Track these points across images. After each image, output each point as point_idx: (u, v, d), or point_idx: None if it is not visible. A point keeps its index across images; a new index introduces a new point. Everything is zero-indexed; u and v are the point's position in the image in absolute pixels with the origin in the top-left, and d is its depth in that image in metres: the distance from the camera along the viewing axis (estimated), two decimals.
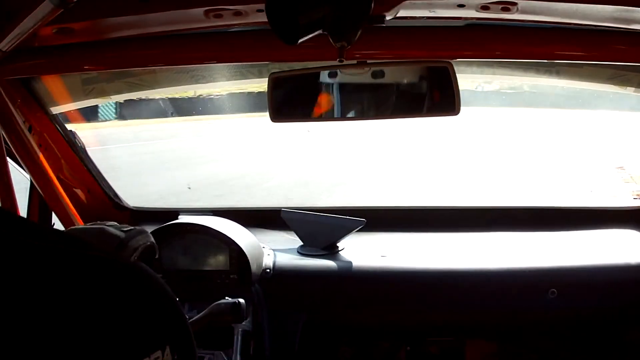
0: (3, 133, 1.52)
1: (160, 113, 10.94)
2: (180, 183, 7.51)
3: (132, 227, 1.19)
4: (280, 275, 1.67)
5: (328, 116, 1.30)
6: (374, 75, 1.21)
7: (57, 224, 1.79)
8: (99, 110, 10.96)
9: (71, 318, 0.46)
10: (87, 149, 1.83)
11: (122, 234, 1.13)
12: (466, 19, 1.21)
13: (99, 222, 1.19)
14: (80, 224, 1.78)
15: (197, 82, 1.80)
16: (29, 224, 0.56)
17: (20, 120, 1.54)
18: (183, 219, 1.74)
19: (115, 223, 1.18)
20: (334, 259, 1.72)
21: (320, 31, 1.04)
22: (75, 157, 1.79)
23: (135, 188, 5.60)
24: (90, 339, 0.47)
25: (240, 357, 1.52)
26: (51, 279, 0.46)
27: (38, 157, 1.61)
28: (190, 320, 1.35)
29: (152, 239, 1.19)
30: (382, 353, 1.77)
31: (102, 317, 0.49)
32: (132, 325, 0.52)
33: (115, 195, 1.97)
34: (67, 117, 1.77)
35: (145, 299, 0.56)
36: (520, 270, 1.63)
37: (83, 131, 1.84)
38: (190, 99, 9.38)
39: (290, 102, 1.30)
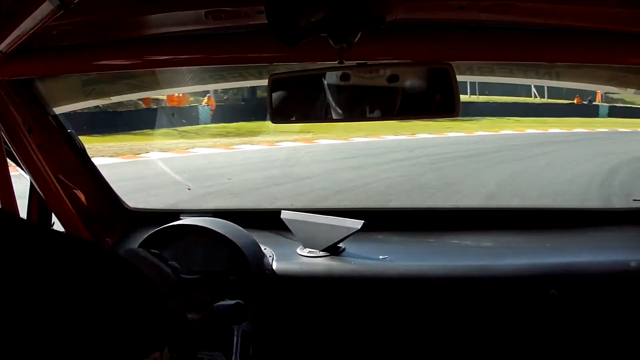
0: (3, 134, 1.52)
1: None
2: None
3: (198, 277, 1.10)
4: (279, 277, 1.67)
5: (328, 117, 1.30)
6: (390, 79, 1.21)
7: (57, 225, 1.79)
8: None
9: (70, 318, 0.46)
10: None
11: (174, 278, 1.03)
12: (466, 20, 1.21)
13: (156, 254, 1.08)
14: (79, 225, 1.77)
15: (197, 83, 1.80)
16: (28, 225, 0.56)
17: (20, 121, 1.54)
18: (183, 220, 1.74)
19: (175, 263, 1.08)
20: (334, 260, 1.72)
21: (320, 33, 1.04)
22: (75, 158, 1.79)
23: None
24: (90, 340, 0.47)
25: (240, 358, 1.52)
26: (50, 280, 0.46)
27: (38, 157, 1.61)
28: (190, 321, 1.35)
29: (207, 296, 1.11)
30: (382, 354, 1.77)
31: (101, 318, 0.49)
32: (131, 326, 0.52)
33: (115, 196, 1.97)
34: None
35: (145, 300, 0.56)
36: (520, 271, 1.63)
37: None
38: None
39: (291, 103, 1.30)
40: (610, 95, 22.33)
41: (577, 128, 18.14)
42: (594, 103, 23.50)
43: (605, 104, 23.00)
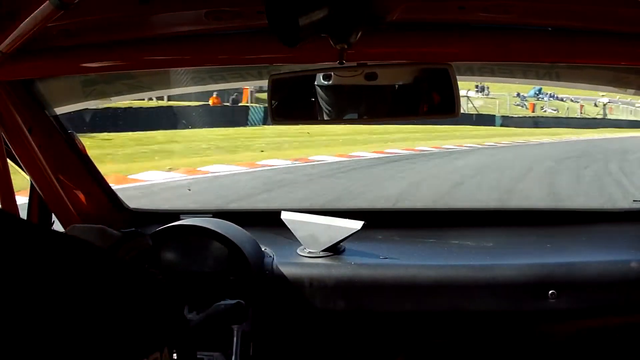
0: (3, 134, 1.52)
1: None
2: None
3: (134, 230, 1.21)
4: (279, 277, 1.67)
5: (329, 118, 1.30)
6: (367, 77, 1.21)
7: (57, 225, 1.79)
8: None
9: (70, 319, 0.46)
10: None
11: (119, 234, 1.15)
12: (466, 21, 1.21)
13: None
14: (80, 224, 1.78)
15: (197, 84, 1.80)
16: (28, 226, 0.56)
17: (20, 121, 1.54)
18: (183, 220, 1.74)
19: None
20: (334, 261, 1.72)
21: (320, 33, 1.04)
22: (75, 158, 1.79)
23: None
24: (89, 340, 0.47)
25: (240, 358, 1.52)
26: (50, 281, 0.46)
27: (38, 158, 1.61)
28: (190, 321, 1.35)
29: (150, 242, 1.21)
30: (382, 354, 1.77)
31: (101, 318, 0.49)
32: (130, 326, 0.52)
33: (115, 196, 1.97)
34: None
35: (145, 300, 0.56)
36: (520, 271, 1.63)
37: None
38: None
39: (290, 103, 1.30)
40: (257, 95, 17.10)
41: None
42: (241, 104, 17.72)
43: (256, 104, 17.05)
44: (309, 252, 1.75)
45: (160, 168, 9.70)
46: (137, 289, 0.56)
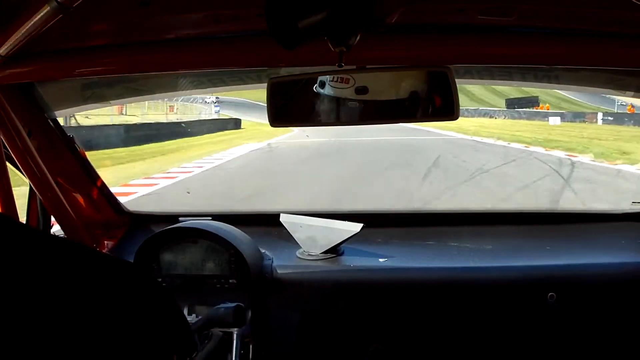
0: (3, 137, 1.52)
1: None
2: None
3: None
4: (279, 280, 1.67)
5: (328, 120, 1.30)
6: (358, 91, 1.22)
7: (57, 228, 1.78)
8: None
9: (76, 327, 0.46)
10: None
11: None
12: (465, 23, 1.22)
13: None
14: (79, 228, 1.77)
15: (196, 87, 1.80)
16: (28, 230, 0.55)
17: (20, 124, 1.54)
18: (182, 223, 1.74)
19: None
20: (333, 263, 1.71)
21: (319, 35, 1.04)
22: (74, 162, 1.79)
23: None
24: (98, 350, 0.47)
25: None
26: (52, 286, 0.46)
27: (37, 161, 1.61)
28: (191, 325, 1.35)
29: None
30: (381, 355, 1.77)
31: (109, 327, 0.49)
32: (139, 334, 0.52)
33: (115, 199, 1.97)
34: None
35: (152, 308, 0.56)
36: (520, 274, 1.63)
37: None
38: None
39: (290, 106, 1.30)
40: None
41: None
42: None
43: None
44: (309, 255, 1.75)
45: None
46: (142, 297, 0.56)
